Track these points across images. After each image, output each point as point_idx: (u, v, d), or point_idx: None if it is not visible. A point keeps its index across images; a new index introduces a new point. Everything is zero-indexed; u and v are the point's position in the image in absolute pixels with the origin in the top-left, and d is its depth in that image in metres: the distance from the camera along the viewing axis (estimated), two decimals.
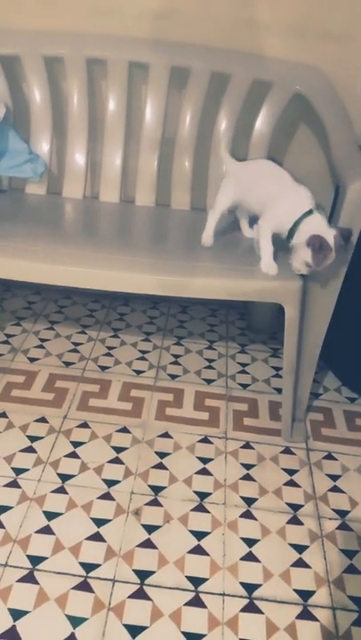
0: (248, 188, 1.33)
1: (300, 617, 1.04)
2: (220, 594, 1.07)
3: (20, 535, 1.13)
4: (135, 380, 1.60)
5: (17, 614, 0.99)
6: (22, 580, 1.05)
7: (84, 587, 1.05)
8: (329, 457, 1.41)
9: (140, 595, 1.05)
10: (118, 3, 1.47)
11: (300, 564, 1.14)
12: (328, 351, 1.46)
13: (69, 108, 1.54)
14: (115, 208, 1.57)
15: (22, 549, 1.10)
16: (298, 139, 1.64)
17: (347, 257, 1.23)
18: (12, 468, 1.27)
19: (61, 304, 1.91)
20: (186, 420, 1.48)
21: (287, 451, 1.42)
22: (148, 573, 1.09)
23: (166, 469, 1.32)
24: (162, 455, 1.36)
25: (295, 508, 1.26)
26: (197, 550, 1.14)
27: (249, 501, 1.26)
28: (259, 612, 1.04)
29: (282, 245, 1.35)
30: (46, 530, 1.14)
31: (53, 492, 1.23)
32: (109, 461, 1.32)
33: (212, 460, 1.36)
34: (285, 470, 1.36)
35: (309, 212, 1.19)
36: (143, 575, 1.08)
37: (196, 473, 1.32)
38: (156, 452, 1.36)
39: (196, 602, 1.05)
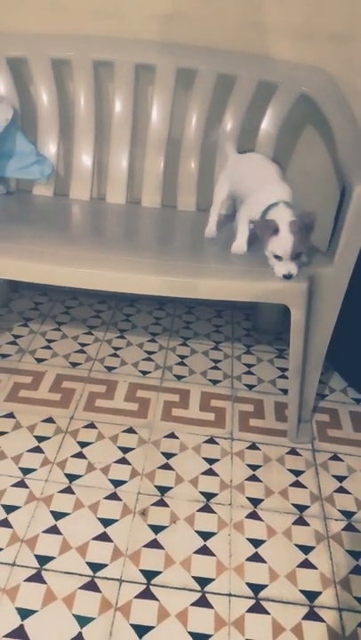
0: (239, 180, 1.38)
1: (306, 618, 1.04)
2: (227, 594, 1.07)
3: (27, 535, 1.14)
4: (141, 381, 1.60)
5: (25, 614, 1.00)
6: (30, 579, 1.06)
7: (92, 586, 1.06)
8: (335, 458, 1.41)
9: (146, 595, 1.05)
10: (124, 5, 1.48)
11: (306, 564, 1.14)
12: (334, 352, 1.46)
13: (76, 110, 1.54)
14: (121, 209, 1.58)
15: (30, 549, 1.11)
16: (304, 140, 1.64)
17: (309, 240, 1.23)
18: (20, 468, 1.28)
19: (68, 305, 1.92)
20: (192, 420, 1.48)
21: (293, 452, 1.42)
22: (155, 573, 1.09)
23: (172, 470, 1.32)
24: (168, 456, 1.36)
25: (301, 508, 1.26)
26: (204, 551, 1.15)
27: (255, 502, 1.27)
28: (265, 612, 1.04)
29: None
30: (53, 530, 1.15)
31: (60, 492, 1.24)
32: (116, 462, 1.33)
33: (218, 460, 1.37)
34: (291, 471, 1.36)
35: (275, 204, 1.21)
36: (150, 575, 1.09)
37: (202, 473, 1.32)
38: (163, 453, 1.37)
39: (203, 602, 1.05)
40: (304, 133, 1.63)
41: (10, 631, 0.97)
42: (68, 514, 1.19)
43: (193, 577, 1.09)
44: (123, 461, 1.33)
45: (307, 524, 1.23)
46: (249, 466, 1.36)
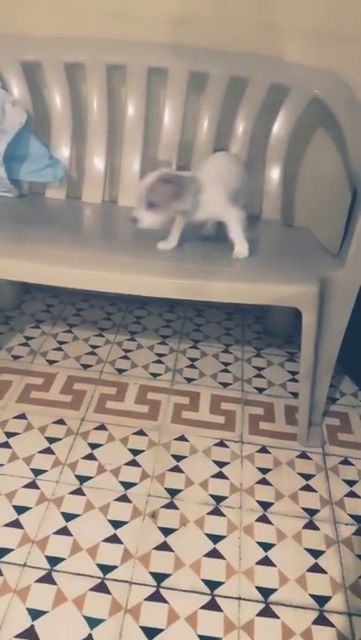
0: None
1: (316, 622, 1.04)
2: (236, 598, 1.07)
3: (38, 536, 1.14)
4: (152, 383, 1.61)
5: (35, 614, 1.00)
6: (41, 580, 1.06)
7: (102, 588, 1.06)
8: (345, 462, 1.41)
9: (156, 597, 1.06)
10: (137, 8, 1.48)
11: (316, 569, 1.14)
12: (345, 355, 1.46)
13: (89, 114, 1.55)
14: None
15: (40, 550, 1.12)
16: (315, 143, 1.64)
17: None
18: (31, 469, 1.29)
19: (79, 307, 1.93)
20: (202, 423, 1.48)
21: (303, 455, 1.42)
22: (165, 576, 1.09)
23: (182, 472, 1.33)
24: (178, 458, 1.37)
25: (311, 512, 1.26)
26: (213, 554, 1.15)
27: (265, 505, 1.27)
28: (275, 616, 1.04)
29: (297, 250, 1.35)
30: (64, 531, 1.16)
31: (71, 493, 1.24)
32: (126, 464, 1.33)
33: (227, 463, 1.37)
34: (301, 475, 1.36)
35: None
36: (159, 578, 1.09)
37: (212, 476, 1.33)
38: (173, 455, 1.37)
39: (212, 605, 1.05)
40: (316, 136, 1.63)
41: (21, 631, 0.98)
42: (79, 515, 1.19)
43: (203, 580, 1.09)
44: (133, 463, 1.34)
45: (317, 529, 1.22)
46: (259, 469, 1.36)
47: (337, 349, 1.38)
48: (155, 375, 1.64)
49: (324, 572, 1.14)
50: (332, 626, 1.04)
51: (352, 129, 1.45)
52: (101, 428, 1.43)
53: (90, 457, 1.34)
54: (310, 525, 1.23)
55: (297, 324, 1.33)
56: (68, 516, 1.19)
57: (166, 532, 1.18)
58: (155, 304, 1.98)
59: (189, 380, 1.63)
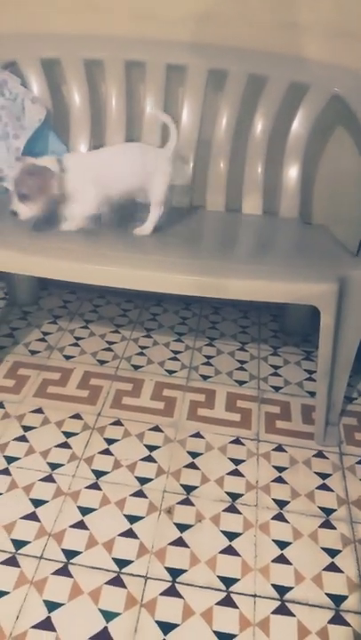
0: None
1: (332, 621, 1.03)
2: (252, 595, 1.07)
3: (55, 529, 1.15)
4: (167, 380, 1.61)
5: (52, 606, 1.01)
6: (57, 572, 1.07)
7: (117, 582, 1.06)
8: None
9: (171, 592, 1.06)
10: (156, 6, 1.49)
11: (332, 568, 1.13)
12: None
13: (108, 110, 1.56)
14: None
15: (57, 543, 1.12)
16: (335, 140, 1.63)
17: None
18: (48, 463, 1.30)
19: (96, 303, 1.94)
20: (217, 420, 1.48)
21: (320, 454, 1.41)
22: (180, 571, 1.09)
23: (198, 469, 1.33)
24: (194, 455, 1.37)
25: (328, 512, 1.25)
26: (229, 551, 1.14)
27: (281, 504, 1.26)
28: (290, 614, 1.04)
29: (309, 246, 1.34)
30: (80, 525, 1.16)
31: (87, 487, 1.25)
32: (142, 459, 1.34)
33: (243, 461, 1.36)
34: (318, 474, 1.35)
35: None
36: (175, 573, 1.09)
37: (227, 474, 1.32)
38: (188, 452, 1.37)
39: (228, 602, 1.05)
40: (335, 134, 1.62)
41: (38, 622, 0.98)
42: (95, 509, 1.20)
43: (218, 576, 1.09)
44: (149, 459, 1.34)
45: (333, 528, 1.22)
46: (275, 467, 1.36)
47: (355, 348, 1.37)
48: (170, 372, 1.64)
49: (340, 571, 1.13)
50: (349, 625, 1.03)
51: None
52: (117, 423, 1.44)
53: (106, 452, 1.35)
54: (327, 524, 1.22)
55: (314, 322, 1.32)
56: (85, 510, 1.20)
57: (182, 527, 1.18)
58: (171, 301, 1.98)
59: (205, 378, 1.63)
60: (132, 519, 1.19)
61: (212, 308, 1.96)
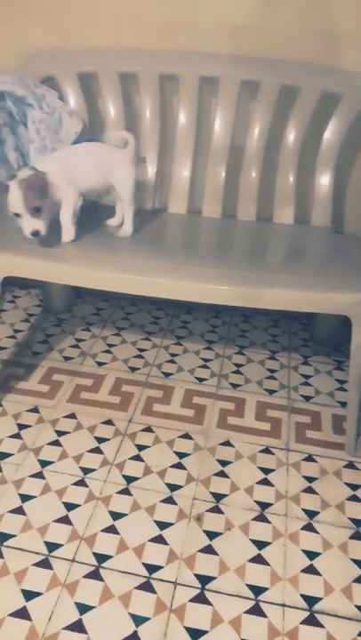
0: None
1: None
2: (281, 604, 1.07)
3: (86, 533, 1.18)
4: (197, 388, 1.62)
5: (83, 609, 1.03)
6: (88, 576, 1.09)
7: (147, 587, 1.08)
8: None
9: (200, 599, 1.07)
10: (189, 19, 1.51)
11: None
12: None
13: (142, 123, 1.59)
14: (182, 219, 1.61)
15: (89, 547, 1.15)
16: None
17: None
18: (81, 468, 1.33)
19: (127, 311, 1.97)
20: (247, 429, 1.49)
21: (351, 465, 1.40)
22: (209, 579, 1.10)
23: (228, 477, 1.33)
24: (223, 463, 1.37)
25: (358, 523, 1.24)
26: (258, 559, 1.15)
27: (311, 514, 1.26)
28: (319, 625, 1.04)
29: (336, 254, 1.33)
30: (111, 529, 1.19)
31: (118, 492, 1.27)
32: (172, 466, 1.35)
33: (273, 470, 1.36)
34: (348, 485, 1.34)
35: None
36: (204, 580, 1.10)
37: (257, 483, 1.33)
38: (218, 460, 1.38)
39: (257, 610, 1.05)
40: None
41: (69, 624, 1.01)
42: (126, 514, 1.22)
43: (247, 584, 1.10)
44: (179, 466, 1.36)
45: None
46: (305, 477, 1.35)
47: None
48: (200, 380, 1.66)
49: None
50: None
51: None
52: (148, 430, 1.46)
53: (137, 458, 1.37)
54: (357, 536, 1.21)
55: (345, 331, 1.31)
56: (116, 515, 1.22)
57: (211, 535, 1.19)
58: (201, 309, 1.99)
59: (235, 386, 1.64)
60: (162, 525, 1.20)
61: (242, 317, 1.97)
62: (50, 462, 1.34)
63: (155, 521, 1.21)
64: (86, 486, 1.28)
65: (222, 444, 1.43)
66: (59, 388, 1.58)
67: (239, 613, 1.05)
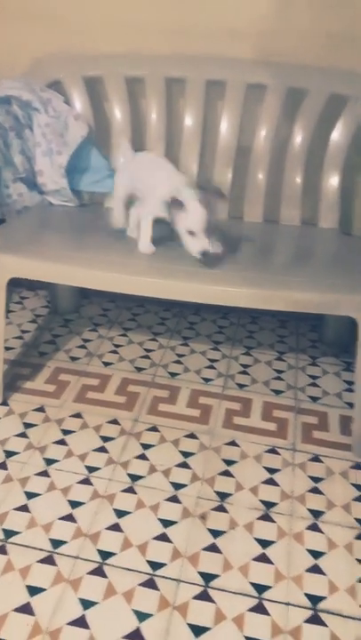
0: (136, 179, 1.40)
1: None
2: (285, 603, 1.06)
3: (90, 530, 1.18)
4: (203, 388, 1.63)
5: (87, 604, 1.04)
6: (92, 572, 1.10)
7: (151, 584, 1.08)
8: None
9: (204, 596, 1.07)
10: (196, 23, 1.53)
11: None
12: None
13: (148, 126, 1.61)
14: None
15: (93, 544, 1.15)
16: None
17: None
18: (86, 466, 1.33)
19: (134, 312, 1.99)
20: (253, 429, 1.49)
21: (358, 466, 1.39)
22: (213, 576, 1.10)
23: (232, 477, 1.33)
24: (228, 463, 1.37)
25: None
26: (262, 558, 1.14)
27: (316, 514, 1.25)
28: (323, 624, 1.03)
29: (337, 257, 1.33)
30: (116, 527, 1.19)
31: (123, 491, 1.28)
32: (177, 465, 1.35)
33: (279, 470, 1.36)
34: (355, 486, 1.33)
35: (178, 189, 1.23)
36: (208, 578, 1.10)
37: (262, 482, 1.32)
38: (223, 460, 1.38)
39: (260, 608, 1.05)
40: None
41: (73, 619, 1.01)
42: (130, 512, 1.22)
43: (251, 583, 1.09)
44: (184, 465, 1.36)
45: None
46: (311, 478, 1.35)
47: None
48: (207, 380, 1.66)
49: None
50: None
51: None
52: (153, 429, 1.46)
53: (142, 457, 1.37)
54: None
55: (354, 332, 1.31)
56: (120, 513, 1.22)
57: (215, 534, 1.19)
58: (209, 310, 2.00)
59: (241, 386, 1.64)
60: (166, 523, 1.21)
61: (249, 317, 1.97)
62: (55, 461, 1.35)
63: (159, 519, 1.21)
64: (91, 484, 1.29)
65: (228, 443, 1.43)
66: (65, 388, 1.59)
67: (242, 611, 1.04)
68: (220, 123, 1.57)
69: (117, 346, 1.80)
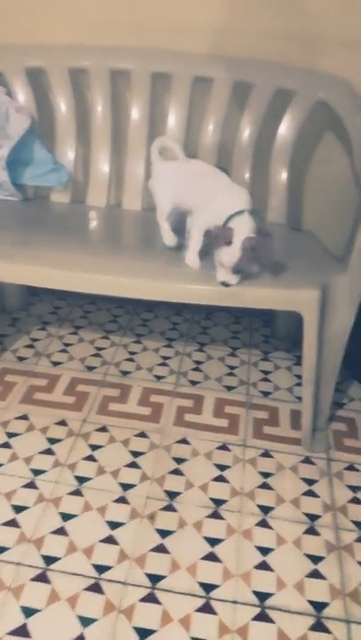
0: (185, 187, 1.31)
1: (312, 629, 1.02)
2: (232, 601, 1.06)
3: (35, 535, 1.15)
4: (155, 386, 1.61)
5: (28, 612, 1.01)
6: (35, 579, 1.06)
7: (96, 588, 1.06)
8: (350, 468, 1.38)
9: (150, 599, 1.05)
10: (142, 17, 1.50)
11: (315, 574, 1.12)
12: (353, 361, 1.43)
13: (93, 118, 1.57)
14: (137, 216, 1.59)
15: (37, 549, 1.12)
16: (324, 146, 1.63)
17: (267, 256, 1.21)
18: (31, 470, 1.30)
19: (86, 309, 1.95)
20: (205, 426, 1.48)
21: (307, 460, 1.40)
22: (160, 577, 1.09)
23: (183, 475, 1.32)
24: (179, 461, 1.36)
25: (313, 518, 1.24)
26: (210, 557, 1.13)
27: (265, 510, 1.25)
28: (270, 621, 1.03)
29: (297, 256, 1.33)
30: (61, 531, 1.16)
31: (70, 494, 1.25)
32: (126, 465, 1.33)
33: (229, 467, 1.35)
34: (305, 480, 1.34)
35: (241, 212, 1.18)
36: (155, 579, 1.08)
37: (212, 480, 1.31)
38: (173, 458, 1.36)
39: (207, 608, 1.04)
40: (324, 139, 1.62)
41: (13, 629, 0.98)
42: (76, 516, 1.20)
43: (198, 582, 1.08)
44: (133, 465, 1.33)
45: (318, 534, 1.20)
46: (261, 473, 1.35)
47: (341, 354, 1.36)
48: (159, 378, 1.64)
49: (323, 578, 1.11)
50: (329, 632, 1.02)
51: (358, 134, 1.44)
52: (103, 429, 1.44)
53: (90, 458, 1.34)
54: (311, 531, 1.21)
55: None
56: (66, 517, 1.19)
57: (163, 534, 1.17)
58: (163, 307, 1.98)
59: (194, 383, 1.63)
60: (114, 525, 1.18)
61: (204, 314, 1.96)
62: None
63: (106, 521, 1.19)
64: (36, 488, 1.25)
65: (179, 441, 1.42)
66: (11, 389, 1.55)
67: (189, 612, 1.03)
68: (167, 116, 1.55)
69: (67, 345, 1.76)
